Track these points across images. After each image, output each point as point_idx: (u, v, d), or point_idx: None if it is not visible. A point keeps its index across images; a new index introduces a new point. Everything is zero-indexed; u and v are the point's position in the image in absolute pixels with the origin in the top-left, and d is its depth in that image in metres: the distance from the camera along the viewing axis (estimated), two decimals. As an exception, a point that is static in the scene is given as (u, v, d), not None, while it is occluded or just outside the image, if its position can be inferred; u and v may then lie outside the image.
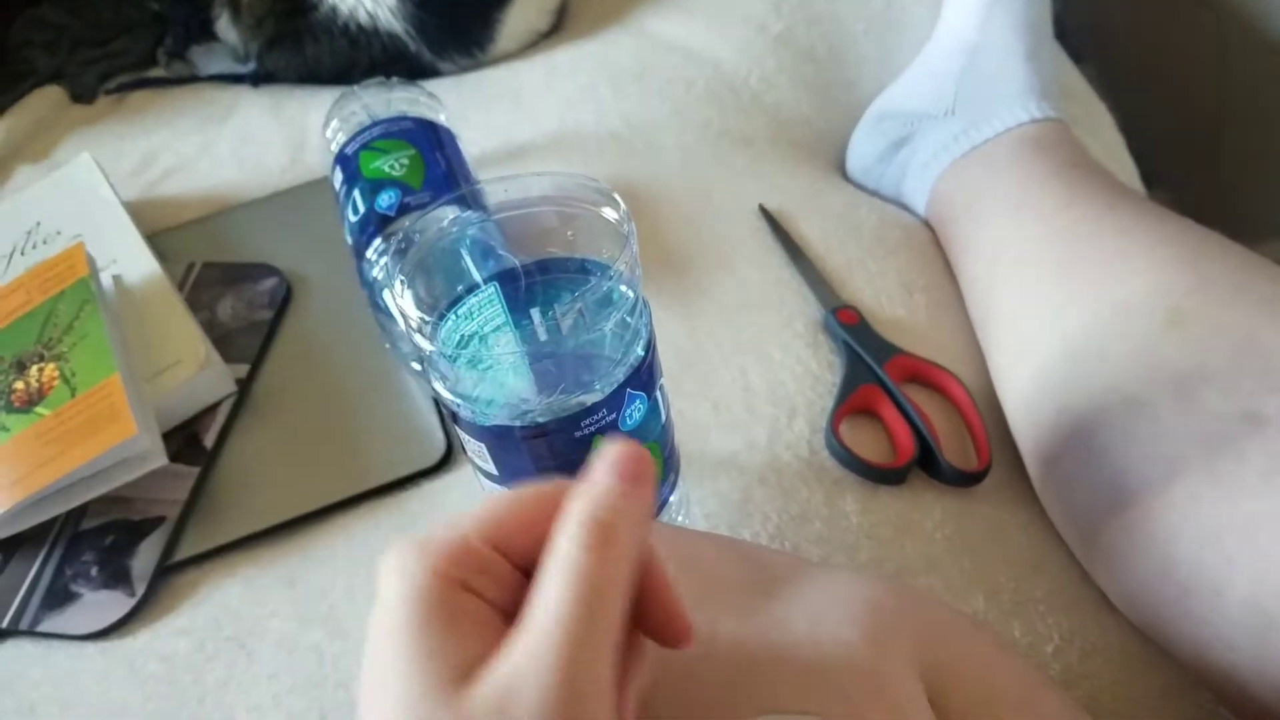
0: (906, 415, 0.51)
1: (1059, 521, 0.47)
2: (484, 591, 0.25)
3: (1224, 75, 1.00)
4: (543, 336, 0.36)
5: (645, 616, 0.26)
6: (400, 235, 0.39)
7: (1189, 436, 0.40)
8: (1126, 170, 0.73)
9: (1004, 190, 0.56)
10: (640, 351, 0.38)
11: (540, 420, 0.37)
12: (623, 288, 0.37)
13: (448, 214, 0.41)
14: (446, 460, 0.53)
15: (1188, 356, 0.41)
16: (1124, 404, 0.43)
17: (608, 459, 0.26)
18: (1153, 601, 0.41)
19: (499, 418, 0.37)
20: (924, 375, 0.54)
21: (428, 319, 0.36)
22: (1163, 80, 1.05)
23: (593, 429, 0.38)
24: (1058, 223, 0.52)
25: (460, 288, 0.39)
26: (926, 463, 0.49)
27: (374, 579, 0.25)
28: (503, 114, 0.74)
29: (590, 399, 0.37)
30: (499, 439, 0.38)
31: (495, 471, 0.40)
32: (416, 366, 0.55)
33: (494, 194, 0.40)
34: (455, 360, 0.37)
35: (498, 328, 0.37)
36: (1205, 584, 0.38)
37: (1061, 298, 0.48)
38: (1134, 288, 0.45)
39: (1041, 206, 0.53)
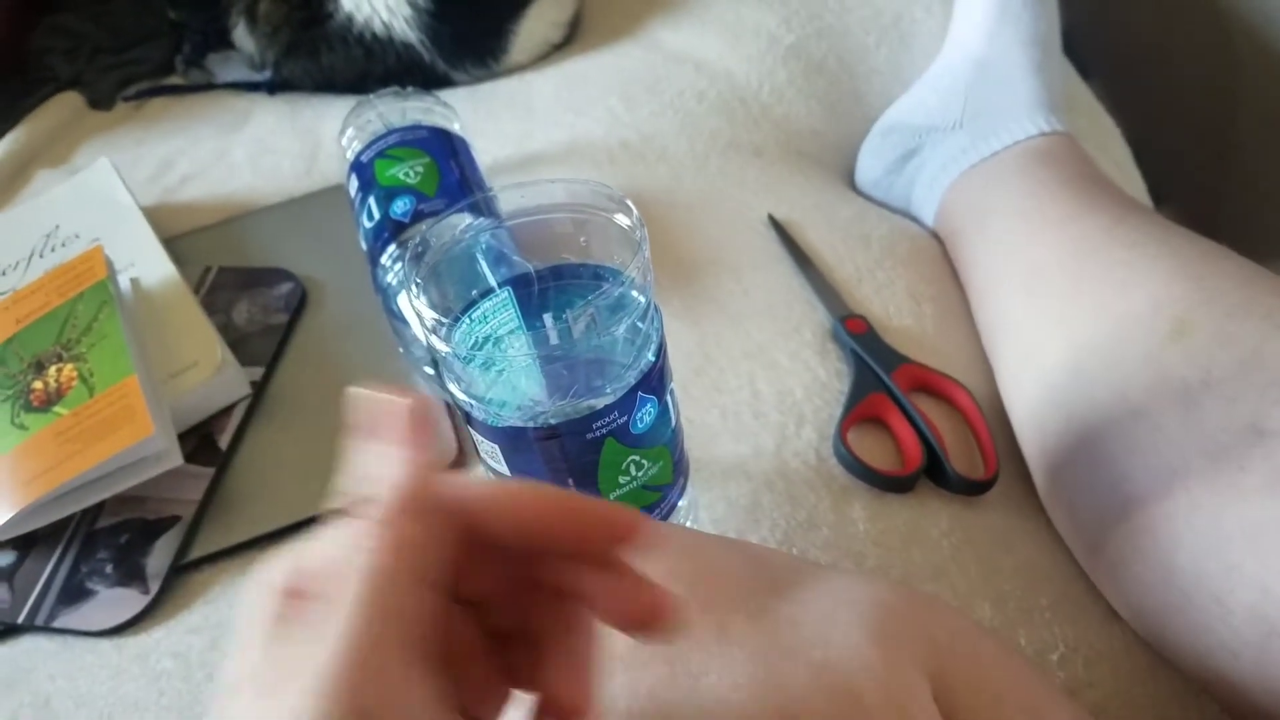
0: (914, 424, 0.51)
1: (1064, 530, 0.47)
2: None
3: (1235, 90, 1.00)
4: (555, 340, 0.36)
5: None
6: (416, 240, 0.39)
7: (1193, 447, 0.40)
8: (1135, 185, 0.73)
9: (1011, 202, 0.57)
10: (651, 356, 0.39)
11: (552, 422, 0.37)
12: (634, 293, 0.37)
13: (462, 220, 0.42)
14: (458, 464, 0.53)
15: (1193, 368, 0.42)
16: (1129, 414, 0.43)
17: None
18: (1156, 610, 0.41)
19: (512, 419, 0.38)
20: (931, 384, 0.54)
21: (443, 321, 0.37)
22: (1173, 95, 1.05)
23: (604, 431, 0.38)
24: (1064, 235, 0.52)
25: (475, 292, 0.39)
26: (934, 471, 0.50)
27: None
28: (515, 123, 0.75)
29: (601, 402, 0.38)
30: (512, 440, 0.38)
31: (507, 472, 0.40)
32: (429, 371, 0.55)
33: (509, 200, 0.41)
34: (469, 362, 0.37)
35: (511, 331, 0.38)
36: (1208, 592, 0.38)
37: (1068, 309, 0.49)
38: (1140, 299, 0.46)
39: (1048, 219, 0.54)
